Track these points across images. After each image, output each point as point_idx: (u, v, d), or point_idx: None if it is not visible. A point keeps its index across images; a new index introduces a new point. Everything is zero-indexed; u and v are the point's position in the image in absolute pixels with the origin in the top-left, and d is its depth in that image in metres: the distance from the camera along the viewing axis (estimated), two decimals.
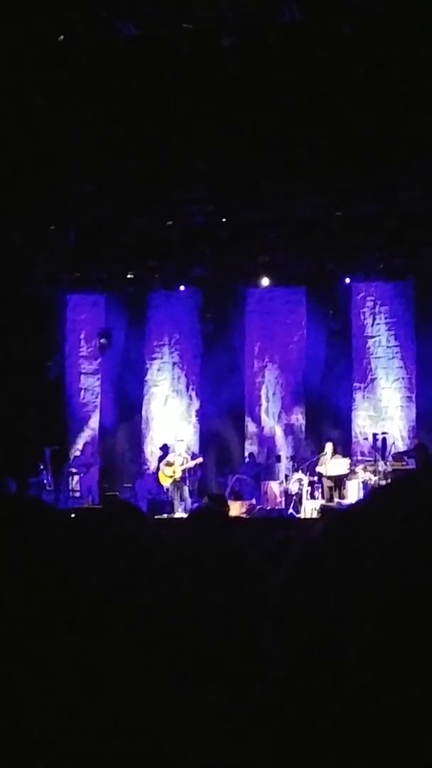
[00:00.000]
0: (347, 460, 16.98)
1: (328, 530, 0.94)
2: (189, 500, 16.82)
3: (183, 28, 12.99)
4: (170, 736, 1.35)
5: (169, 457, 17.56)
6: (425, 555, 0.84)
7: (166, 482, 17.22)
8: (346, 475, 16.66)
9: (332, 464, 16.75)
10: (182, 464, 17.26)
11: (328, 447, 16.94)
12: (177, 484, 17.08)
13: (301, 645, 0.85)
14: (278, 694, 0.86)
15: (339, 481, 16.65)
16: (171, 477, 17.13)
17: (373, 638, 0.82)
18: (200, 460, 17.79)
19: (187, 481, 17.28)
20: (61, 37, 13.16)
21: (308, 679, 0.84)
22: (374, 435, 17.89)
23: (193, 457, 17.87)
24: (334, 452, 16.93)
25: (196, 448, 18.82)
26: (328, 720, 0.82)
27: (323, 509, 15.54)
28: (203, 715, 1.41)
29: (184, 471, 17.20)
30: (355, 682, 0.82)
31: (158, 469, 17.66)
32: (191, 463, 17.42)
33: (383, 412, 18.51)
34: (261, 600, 1.49)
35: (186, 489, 17.11)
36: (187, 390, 19.71)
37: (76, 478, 18.43)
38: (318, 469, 16.79)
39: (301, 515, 15.93)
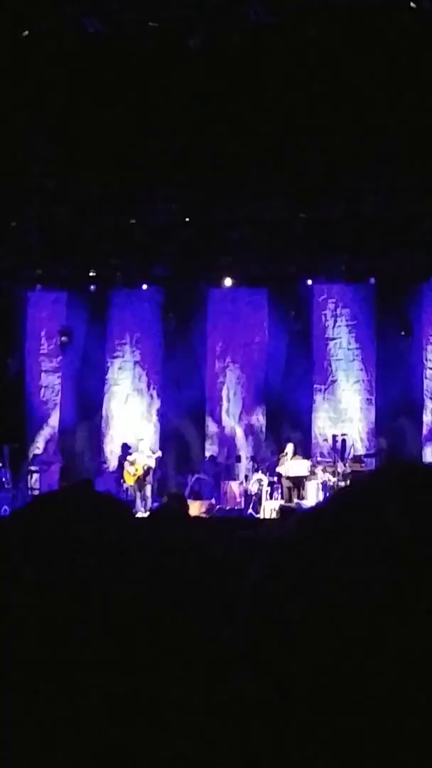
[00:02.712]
0: (308, 462, 17.04)
1: (295, 532, 0.95)
2: (150, 499, 16.82)
3: (149, 26, 12.97)
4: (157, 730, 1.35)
5: (132, 456, 17.60)
6: (385, 554, 0.85)
7: (130, 480, 17.23)
8: (305, 476, 16.72)
9: (292, 465, 16.80)
10: (144, 462, 17.33)
11: (289, 448, 16.99)
12: (140, 482, 17.10)
13: (273, 644, 0.86)
14: (251, 690, 0.87)
15: (298, 482, 16.71)
16: (134, 475, 17.17)
17: (341, 637, 0.83)
18: (159, 453, 17.82)
19: (150, 480, 17.32)
20: (26, 32, 13.07)
21: (280, 676, 0.85)
22: (333, 436, 17.96)
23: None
24: (295, 453, 16.99)
25: (156, 448, 18.79)
26: (299, 715, 0.83)
27: (282, 509, 15.60)
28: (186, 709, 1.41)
29: (145, 468, 17.22)
30: (328, 681, 0.83)
31: (122, 467, 17.68)
32: (152, 458, 17.49)
33: (343, 413, 18.59)
34: (228, 598, 1.49)
35: (148, 488, 17.13)
36: (148, 389, 19.66)
37: (36, 476, 18.32)
38: (278, 469, 16.84)
39: (261, 515, 15.98)
